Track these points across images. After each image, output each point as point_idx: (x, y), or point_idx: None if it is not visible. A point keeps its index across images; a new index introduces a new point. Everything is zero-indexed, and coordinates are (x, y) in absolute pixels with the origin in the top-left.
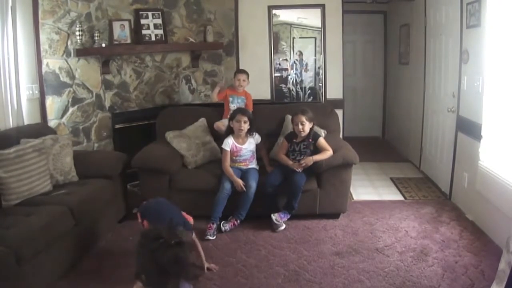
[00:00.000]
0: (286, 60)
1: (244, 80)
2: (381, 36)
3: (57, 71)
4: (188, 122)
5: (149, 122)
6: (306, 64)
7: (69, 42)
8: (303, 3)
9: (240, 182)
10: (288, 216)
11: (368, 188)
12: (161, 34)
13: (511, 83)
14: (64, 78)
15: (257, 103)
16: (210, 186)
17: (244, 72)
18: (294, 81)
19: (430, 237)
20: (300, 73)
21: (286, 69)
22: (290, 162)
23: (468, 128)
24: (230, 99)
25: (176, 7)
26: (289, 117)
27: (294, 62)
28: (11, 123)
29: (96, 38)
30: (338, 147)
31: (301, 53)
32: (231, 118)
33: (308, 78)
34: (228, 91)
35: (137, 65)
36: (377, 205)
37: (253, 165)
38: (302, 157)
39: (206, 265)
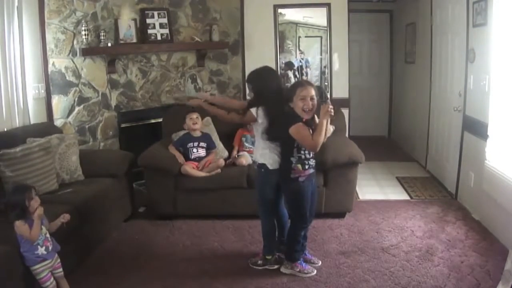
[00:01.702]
0: (291, 59)
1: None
2: (387, 35)
3: (63, 70)
4: None
5: (155, 121)
6: (310, 63)
7: (75, 42)
8: (309, 2)
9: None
10: None
11: (374, 187)
12: (167, 34)
13: None
14: (70, 77)
15: None
16: (214, 186)
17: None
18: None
19: (436, 236)
20: (307, 72)
21: (291, 68)
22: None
23: (474, 128)
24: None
25: (182, 7)
26: None
27: (300, 61)
28: (17, 122)
29: (102, 37)
30: (344, 146)
31: (305, 53)
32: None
33: (313, 78)
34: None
35: (143, 64)
36: (383, 205)
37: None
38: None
39: None
